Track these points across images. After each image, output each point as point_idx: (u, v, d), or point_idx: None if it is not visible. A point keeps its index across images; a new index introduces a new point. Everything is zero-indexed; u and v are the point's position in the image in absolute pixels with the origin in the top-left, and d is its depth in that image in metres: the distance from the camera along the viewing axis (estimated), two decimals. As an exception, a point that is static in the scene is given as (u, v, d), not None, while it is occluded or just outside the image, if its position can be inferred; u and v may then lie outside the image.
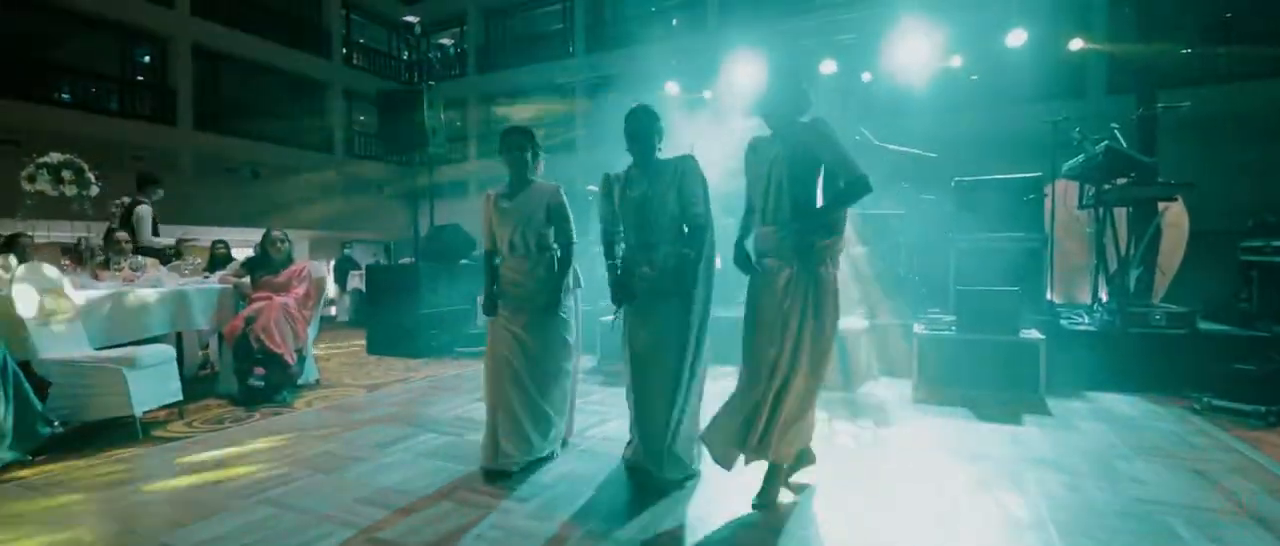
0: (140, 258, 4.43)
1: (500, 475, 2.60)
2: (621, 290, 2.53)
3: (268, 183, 15.24)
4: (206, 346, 5.22)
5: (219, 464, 2.82)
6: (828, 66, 7.68)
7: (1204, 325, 4.26)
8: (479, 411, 3.74)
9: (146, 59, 13.86)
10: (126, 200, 5.55)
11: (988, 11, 7.14)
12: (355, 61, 18.20)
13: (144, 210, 5.47)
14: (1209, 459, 2.78)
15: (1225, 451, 2.88)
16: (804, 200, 2.28)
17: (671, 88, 8.28)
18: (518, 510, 2.29)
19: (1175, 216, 5.75)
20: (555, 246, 2.77)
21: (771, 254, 2.32)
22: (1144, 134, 5.51)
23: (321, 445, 3.09)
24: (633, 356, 2.55)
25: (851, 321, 4.54)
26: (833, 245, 2.29)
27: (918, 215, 5.46)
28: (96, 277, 4.20)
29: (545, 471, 2.67)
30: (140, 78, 13.78)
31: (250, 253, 9.34)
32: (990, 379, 4.03)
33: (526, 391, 2.66)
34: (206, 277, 4.95)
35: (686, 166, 2.49)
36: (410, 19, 6.29)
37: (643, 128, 2.50)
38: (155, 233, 5.47)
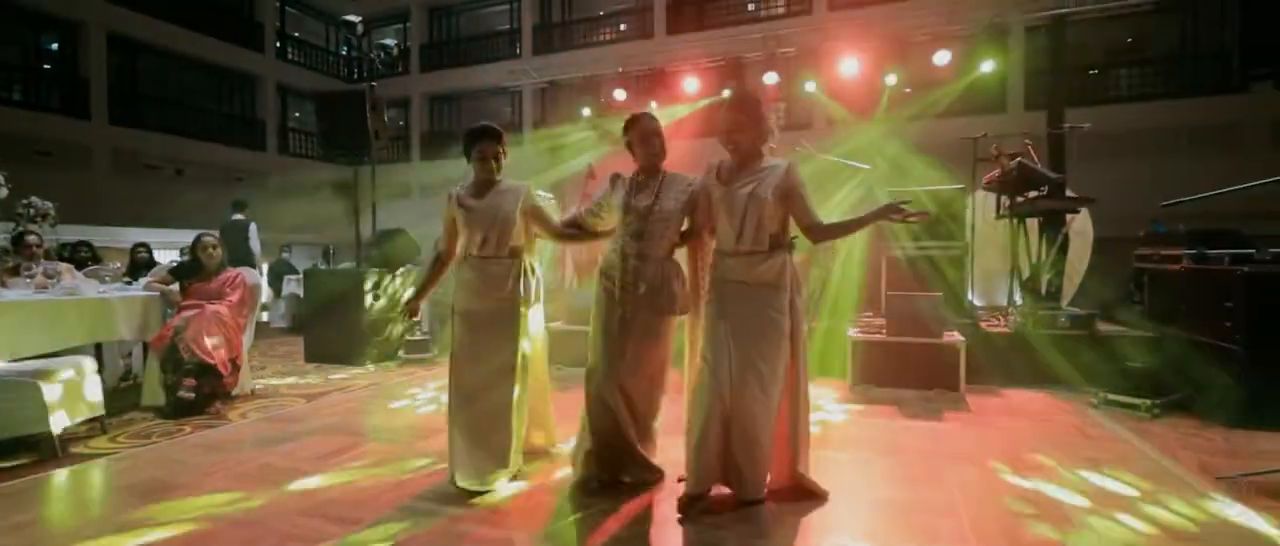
0: (56, 263, 4.17)
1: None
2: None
3: (192, 182, 14.45)
4: (128, 356, 4.94)
5: (148, 480, 2.71)
6: (770, 77, 7.97)
7: (1104, 327, 4.68)
8: (426, 421, 3.74)
9: (55, 46, 12.91)
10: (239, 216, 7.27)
11: (917, 32, 7.59)
12: (290, 56, 17.46)
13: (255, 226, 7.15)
14: (1102, 449, 3.09)
15: (1116, 442, 3.21)
16: (774, 234, 2.35)
17: (619, 94, 8.39)
18: (467, 516, 2.32)
19: (1081, 225, 6.28)
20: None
21: (740, 280, 2.34)
22: (1053, 151, 5.98)
23: (260, 458, 3.02)
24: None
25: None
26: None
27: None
28: (3, 284, 3.94)
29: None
30: (47, 67, 12.82)
31: (174, 257, 8.90)
32: (917, 378, 4.31)
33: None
34: (127, 283, 4.69)
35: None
36: (352, 17, 6.14)
37: (648, 134, 2.51)
38: None
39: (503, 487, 2.55)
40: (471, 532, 2.19)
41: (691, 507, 2.28)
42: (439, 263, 2.83)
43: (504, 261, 2.64)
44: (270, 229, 14.46)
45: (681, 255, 2.62)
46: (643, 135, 2.52)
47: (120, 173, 13.17)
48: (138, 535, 2.18)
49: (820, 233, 2.35)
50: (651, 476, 2.58)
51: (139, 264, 6.53)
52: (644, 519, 2.30)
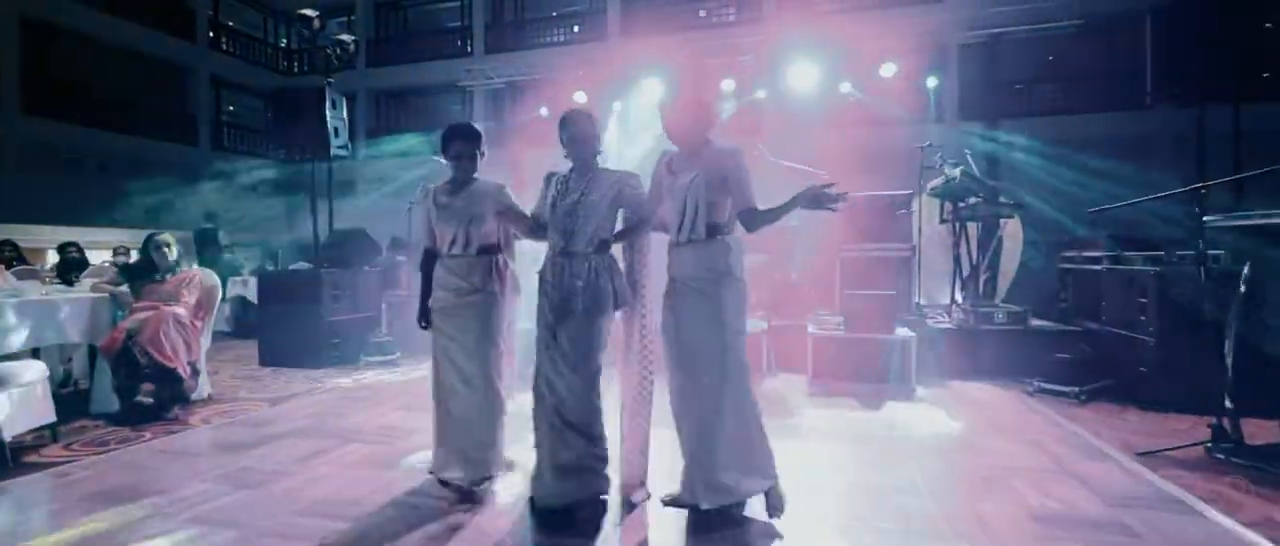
0: (-6, 264, 3.93)
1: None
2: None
3: (117, 177, 13.59)
4: (68, 361, 4.67)
5: (120, 487, 2.63)
6: (727, 84, 8.22)
7: (1035, 322, 5.10)
8: (403, 420, 3.73)
9: (-43, 30, 11.90)
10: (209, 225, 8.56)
11: (865, 44, 8.02)
12: (225, 46, 16.64)
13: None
14: (1039, 431, 3.41)
15: (1051, 425, 3.54)
16: (714, 222, 2.34)
17: (580, 97, 8.45)
18: (463, 510, 2.38)
19: (1013, 229, 6.79)
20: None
21: (690, 273, 2.36)
22: (989, 161, 6.45)
23: (235, 461, 2.96)
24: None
25: (753, 323, 4.97)
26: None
27: (809, 226, 6.03)
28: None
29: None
30: (-53, 51, 11.80)
31: (106, 257, 8.38)
32: (871, 372, 4.59)
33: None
34: (65, 284, 4.45)
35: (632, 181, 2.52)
36: (309, 12, 5.98)
37: (581, 131, 2.48)
38: None
39: (495, 480, 2.59)
40: (472, 522, 2.25)
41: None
42: (426, 262, 2.75)
43: (474, 258, 2.65)
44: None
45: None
46: (573, 134, 2.49)
47: (35, 166, 12.25)
48: (124, 541, 2.13)
49: (753, 219, 2.31)
50: (600, 483, 2.47)
51: (70, 264, 6.15)
52: (633, 512, 2.41)
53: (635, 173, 2.58)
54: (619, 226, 2.56)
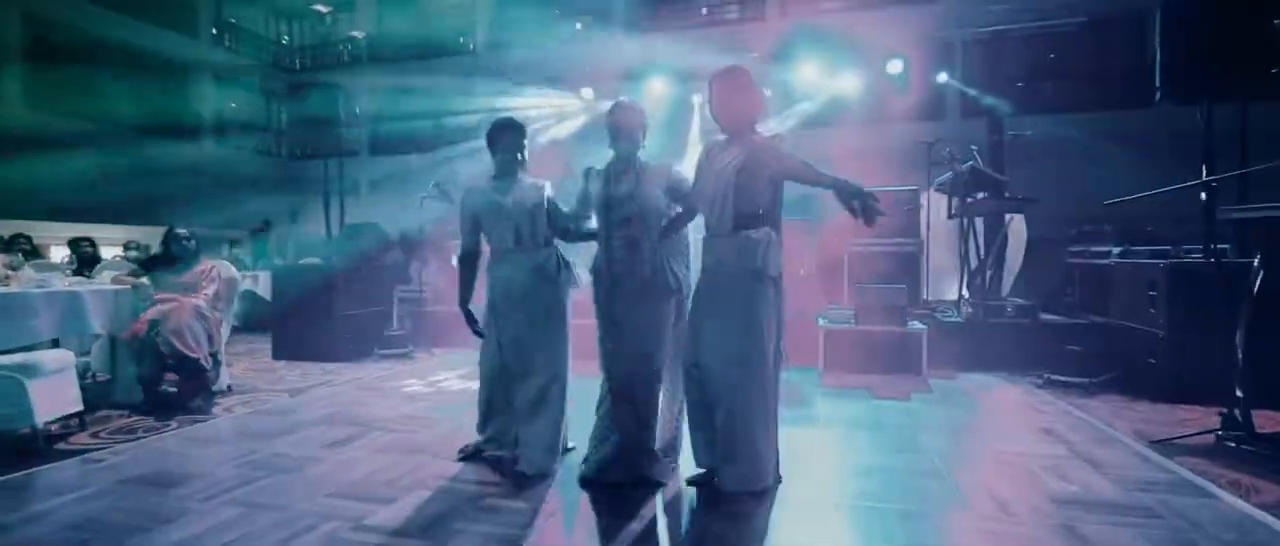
0: (19, 256, 3.96)
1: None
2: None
3: (118, 173, 13.57)
4: (87, 352, 4.70)
5: (157, 473, 2.67)
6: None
7: (1044, 316, 5.17)
8: (423, 409, 3.79)
9: (-39, 24, 11.90)
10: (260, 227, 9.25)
11: (870, 40, 8.10)
12: (227, 42, 16.61)
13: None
14: (1051, 420, 3.47)
15: (1062, 414, 3.60)
16: (748, 211, 2.33)
17: (587, 93, 8.49)
18: (496, 491, 2.43)
19: (1016, 225, 6.86)
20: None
21: (720, 264, 2.38)
22: (995, 157, 6.51)
23: (266, 448, 3.00)
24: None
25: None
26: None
27: (818, 220, 6.09)
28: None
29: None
30: (-48, 46, 11.79)
31: (118, 252, 8.41)
32: (883, 364, 4.65)
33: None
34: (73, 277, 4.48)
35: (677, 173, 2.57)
36: (321, 8, 6.01)
37: (627, 122, 2.49)
38: None
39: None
40: (505, 505, 2.30)
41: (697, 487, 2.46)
42: (469, 262, 2.79)
43: (542, 250, 2.68)
44: (204, 222, 13.79)
45: None
46: (618, 126, 2.50)
47: (37, 161, 12.22)
48: (170, 524, 2.17)
49: (804, 172, 2.29)
50: (659, 470, 2.55)
51: (84, 259, 6.18)
52: (660, 497, 2.46)
53: (673, 163, 2.63)
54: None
